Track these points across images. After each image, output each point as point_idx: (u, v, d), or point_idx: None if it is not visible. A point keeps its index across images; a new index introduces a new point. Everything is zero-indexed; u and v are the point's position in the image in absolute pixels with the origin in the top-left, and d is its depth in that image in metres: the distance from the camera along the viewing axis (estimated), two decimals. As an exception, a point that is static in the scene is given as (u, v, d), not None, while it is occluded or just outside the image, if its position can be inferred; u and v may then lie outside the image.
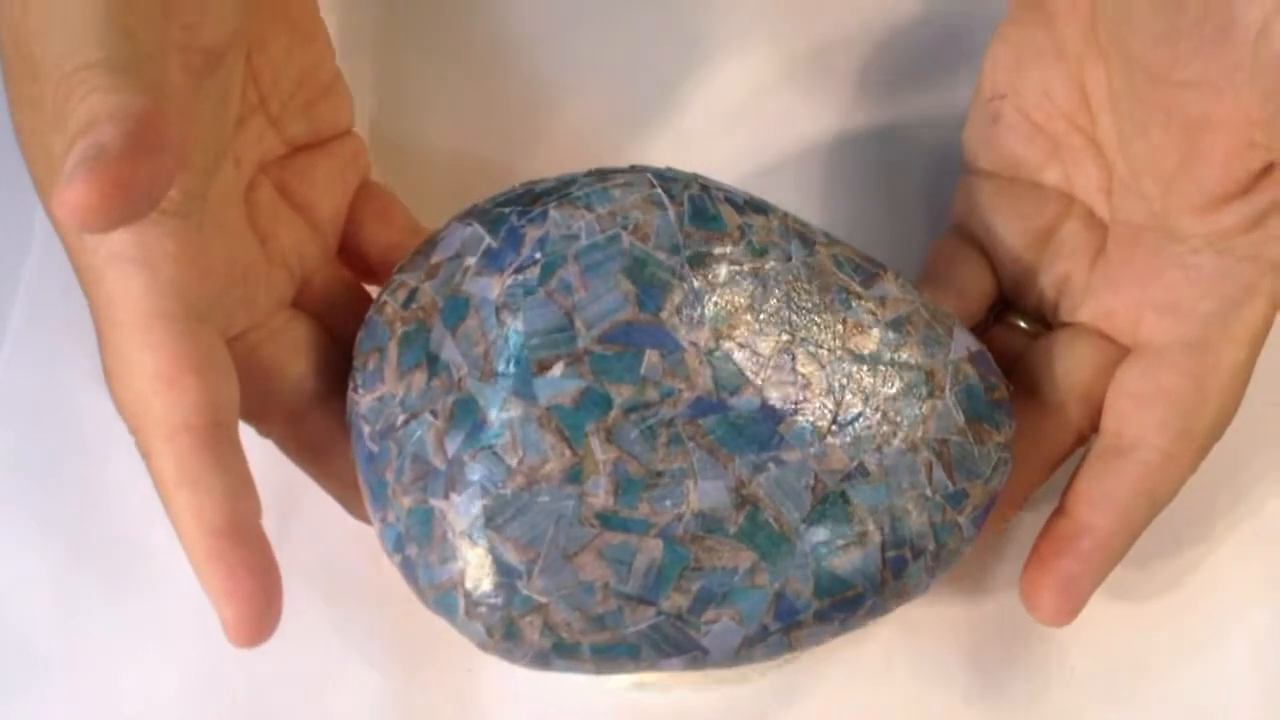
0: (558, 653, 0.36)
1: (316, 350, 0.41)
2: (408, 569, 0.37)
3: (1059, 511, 0.40)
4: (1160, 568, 0.44)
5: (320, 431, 0.41)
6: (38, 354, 0.46)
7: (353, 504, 0.41)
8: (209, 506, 0.36)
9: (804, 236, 0.39)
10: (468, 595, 0.36)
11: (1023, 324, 0.45)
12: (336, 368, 0.41)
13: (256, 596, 0.36)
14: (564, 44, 0.50)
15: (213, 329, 0.37)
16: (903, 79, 0.50)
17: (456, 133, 0.50)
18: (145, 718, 0.43)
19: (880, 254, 0.41)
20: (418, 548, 0.36)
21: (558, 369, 0.36)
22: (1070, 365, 0.42)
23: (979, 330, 0.44)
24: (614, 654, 0.36)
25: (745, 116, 0.50)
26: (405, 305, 0.39)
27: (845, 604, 0.37)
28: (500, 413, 0.36)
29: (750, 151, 0.49)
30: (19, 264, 0.47)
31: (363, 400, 0.39)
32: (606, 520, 0.36)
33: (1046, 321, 0.44)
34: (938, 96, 0.50)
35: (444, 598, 0.36)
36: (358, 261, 0.44)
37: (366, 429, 0.38)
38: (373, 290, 0.44)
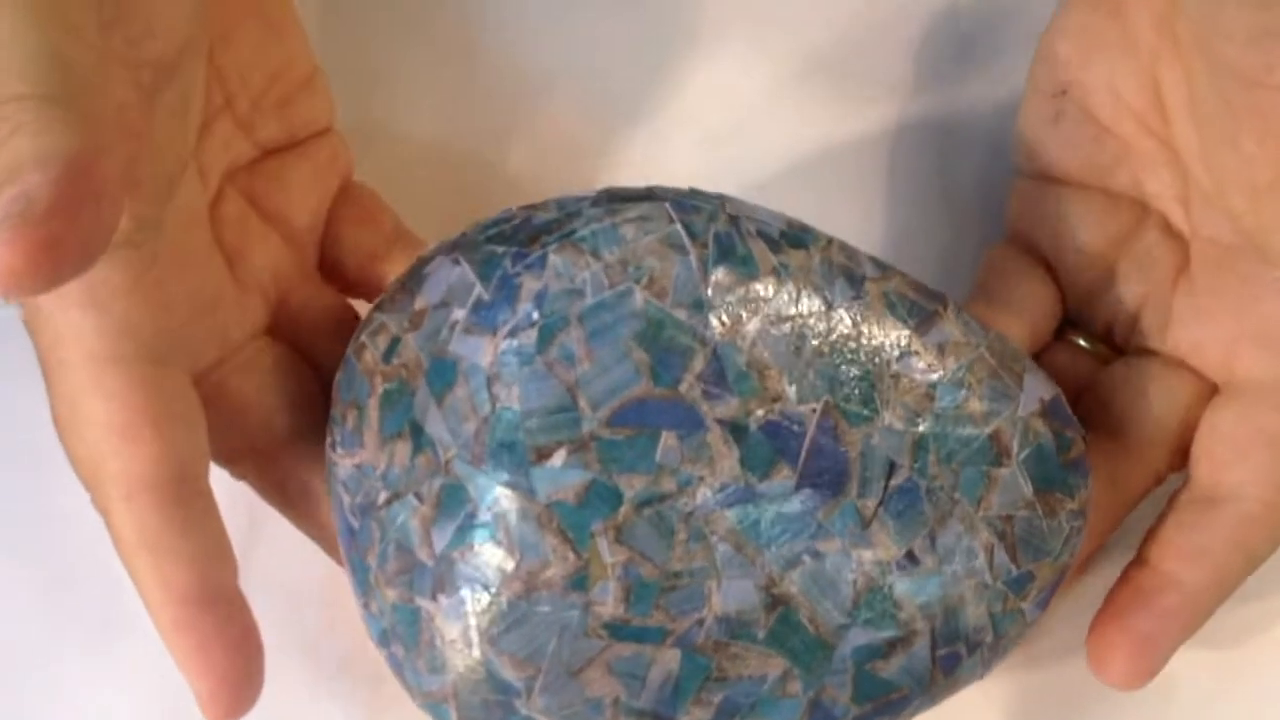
0: (563, 769, 0.32)
1: (291, 382, 0.36)
2: (395, 666, 0.33)
3: (1139, 562, 0.36)
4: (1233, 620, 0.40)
5: (295, 474, 0.36)
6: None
7: (334, 550, 0.37)
8: (175, 572, 0.32)
9: (850, 274, 0.33)
10: (461, 709, 0.32)
11: (1084, 343, 0.39)
12: (314, 401, 0.36)
13: (232, 670, 0.33)
14: (558, 29, 0.44)
15: (176, 370, 0.33)
16: (936, 72, 0.44)
17: (439, 125, 0.43)
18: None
19: (922, 268, 0.35)
20: (404, 649, 0.32)
21: (559, 458, 0.31)
22: (1161, 403, 0.36)
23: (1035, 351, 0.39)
24: (626, 769, 0.32)
25: (759, 113, 0.43)
26: (387, 358, 0.33)
27: (889, 706, 0.33)
28: (493, 507, 0.31)
29: (762, 154, 0.43)
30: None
31: (341, 464, 0.34)
32: (616, 631, 0.31)
33: (1113, 343, 0.39)
34: (979, 90, 0.43)
35: (435, 707, 0.32)
36: (338, 274, 0.38)
37: (346, 499, 0.34)
38: (360, 304, 0.39)
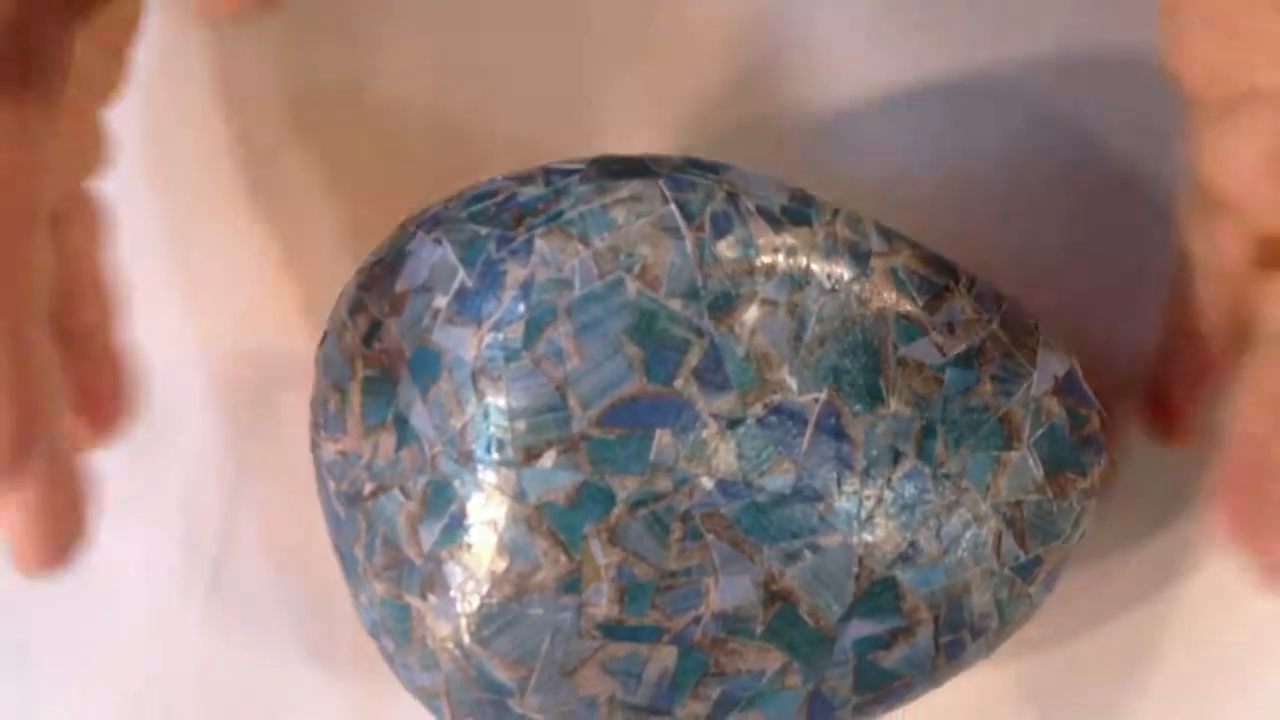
0: (559, 761, 0.32)
1: None
2: (387, 659, 0.32)
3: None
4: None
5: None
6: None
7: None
8: None
9: (855, 249, 0.31)
10: (454, 706, 0.31)
11: None
12: None
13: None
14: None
15: None
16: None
17: (425, 83, 0.40)
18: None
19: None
20: (395, 644, 0.32)
21: (548, 458, 0.30)
22: None
23: None
24: (623, 761, 0.32)
25: (761, 68, 0.40)
26: (368, 342, 0.32)
27: (890, 695, 0.32)
28: (482, 507, 0.30)
29: (766, 111, 0.40)
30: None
31: (326, 447, 0.33)
32: (610, 631, 0.30)
33: None
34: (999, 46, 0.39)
35: (428, 700, 0.32)
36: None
37: (331, 485, 0.33)
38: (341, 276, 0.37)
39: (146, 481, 0.40)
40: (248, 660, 0.39)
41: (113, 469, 0.38)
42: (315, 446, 0.33)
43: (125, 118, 0.37)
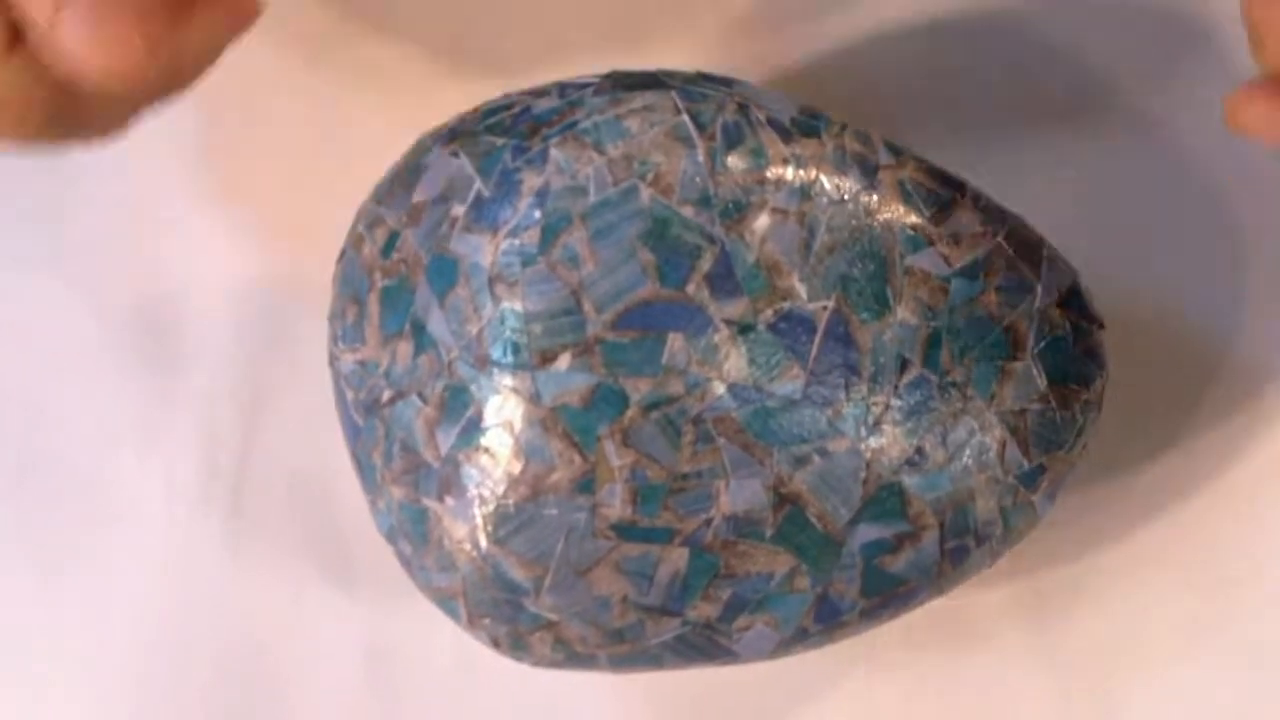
0: (572, 662, 0.33)
1: None
2: (404, 563, 0.33)
3: None
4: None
5: None
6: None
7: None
8: None
9: (864, 162, 0.32)
10: (470, 608, 0.32)
11: None
12: None
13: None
14: None
15: None
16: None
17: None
18: (106, 650, 0.40)
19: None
20: (412, 547, 0.32)
21: (563, 361, 0.30)
22: None
23: None
24: (634, 662, 0.33)
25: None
26: (385, 252, 0.33)
27: (896, 600, 0.33)
28: (499, 410, 0.31)
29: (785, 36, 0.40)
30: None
31: (344, 359, 0.33)
32: (624, 532, 0.31)
33: None
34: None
35: (445, 602, 0.33)
36: None
37: (350, 395, 0.33)
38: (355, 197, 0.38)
39: (165, 405, 0.40)
40: (265, 580, 0.40)
41: (131, 392, 0.39)
42: (333, 360, 0.34)
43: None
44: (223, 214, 0.41)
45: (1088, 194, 0.40)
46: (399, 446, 0.32)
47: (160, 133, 0.42)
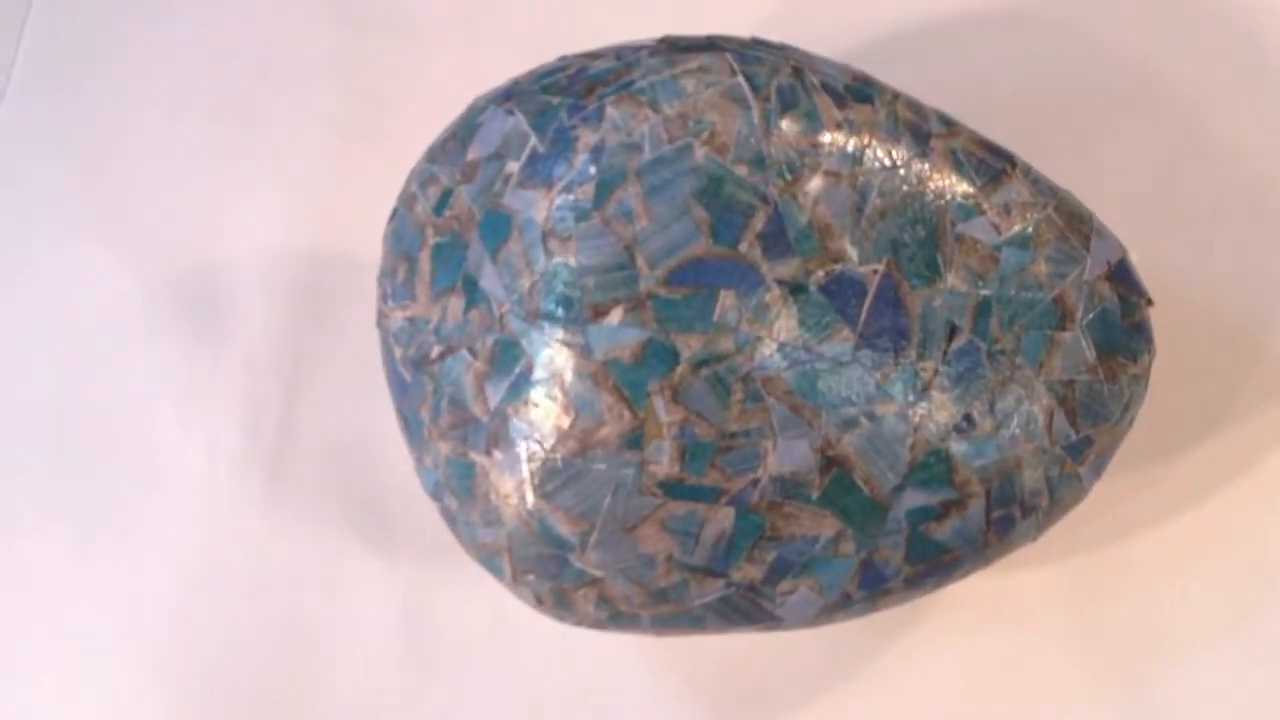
0: (614, 621, 0.33)
1: None
2: (449, 519, 0.33)
3: None
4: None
5: None
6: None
7: None
8: None
9: (916, 130, 0.32)
10: (514, 564, 0.32)
11: None
12: None
13: None
14: None
15: None
16: None
17: None
18: (145, 607, 0.40)
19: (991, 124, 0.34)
20: (458, 502, 0.32)
21: (615, 315, 0.30)
22: None
23: None
24: (676, 623, 0.33)
25: None
26: (438, 210, 0.33)
27: (940, 568, 0.33)
28: (549, 363, 0.31)
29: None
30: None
31: (393, 317, 0.34)
32: (671, 489, 0.31)
33: None
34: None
35: (489, 559, 0.32)
36: None
37: (399, 352, 0.33)
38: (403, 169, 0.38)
39: (209, 371, 0.41)
40: (303, 541, 0.40)
41: (176, 358, 0.39)
42: (382, 318, 0.34)
43: (201, 24, 0.39)
44: (267, 187, 0.42)
45: (1139, 181, 0.40)
46: (447, 401, 0.32)
47: (205, 106, 0.42)
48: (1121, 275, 0.33)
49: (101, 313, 0.41)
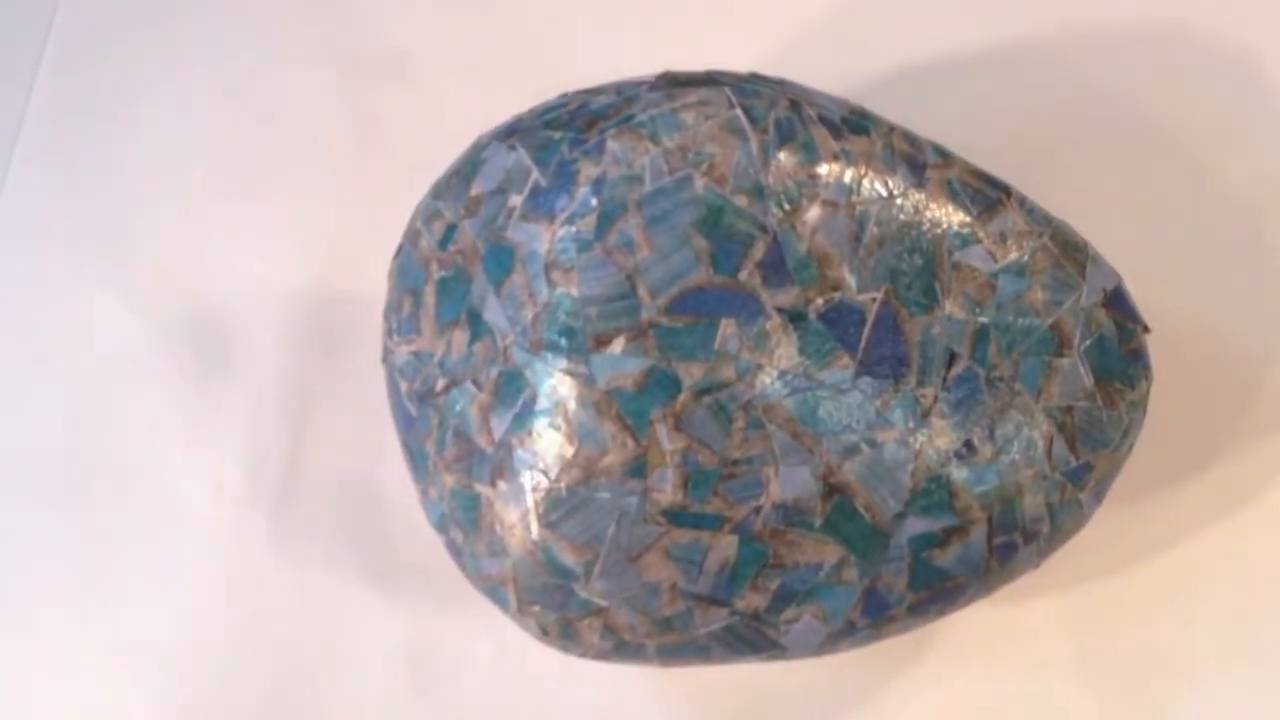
0: (619, 652, 0.33)
1: None
2: (454, 552, 0.33)
3: None
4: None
5: None
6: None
7: None
8: None
9: (912, 161, 0.33)
10: (519, 594, 0.32)
11: None
12: None
13: None
14: None
15: None
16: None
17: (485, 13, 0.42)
18: (155, 653, 0.40)
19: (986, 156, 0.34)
20: (463, 534, 0.33)
21: (618, 345, 0.31)
22: None
23: None
24: (682, 653, 0.33)
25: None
26: (443, 244, 0.33)
27: (943, 595, 0.33)
28: (552, 394, 0.31)
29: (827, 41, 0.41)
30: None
31: (398, 351, 0.34)
32: (674, 517, 0.31)
33: None
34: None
35: (494, 590, 0.33)
36: None
37: (404, 386, 0.34)
38: (413, 198, 0.39)
39: (215, 408, 0.41)
40: (310, 580, 0.40)
41: (182, 395, 0.40)
42: (388, 353, 0.34)
43: (208, 69, 0.39)
44: (275, 227, 0.42)
45: (1134, 213, 0.40)
46: (452, 434, 0.32)
47: (213, 149, 0.43)
48: (1117, 303, 0.34)
49: (110, 353, 0.42)
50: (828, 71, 0.41)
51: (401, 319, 0.34)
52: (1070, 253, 0.33)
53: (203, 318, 0.42)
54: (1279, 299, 0.40)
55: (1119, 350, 0.33)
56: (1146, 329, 0.34)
